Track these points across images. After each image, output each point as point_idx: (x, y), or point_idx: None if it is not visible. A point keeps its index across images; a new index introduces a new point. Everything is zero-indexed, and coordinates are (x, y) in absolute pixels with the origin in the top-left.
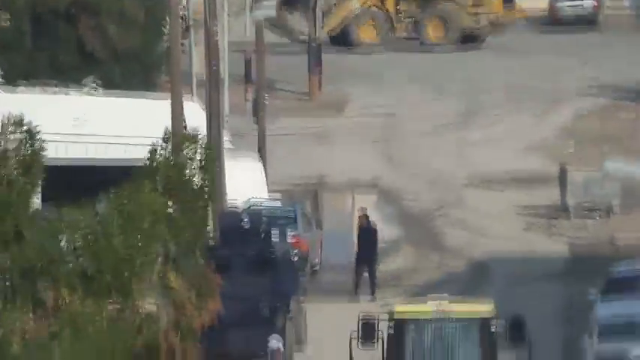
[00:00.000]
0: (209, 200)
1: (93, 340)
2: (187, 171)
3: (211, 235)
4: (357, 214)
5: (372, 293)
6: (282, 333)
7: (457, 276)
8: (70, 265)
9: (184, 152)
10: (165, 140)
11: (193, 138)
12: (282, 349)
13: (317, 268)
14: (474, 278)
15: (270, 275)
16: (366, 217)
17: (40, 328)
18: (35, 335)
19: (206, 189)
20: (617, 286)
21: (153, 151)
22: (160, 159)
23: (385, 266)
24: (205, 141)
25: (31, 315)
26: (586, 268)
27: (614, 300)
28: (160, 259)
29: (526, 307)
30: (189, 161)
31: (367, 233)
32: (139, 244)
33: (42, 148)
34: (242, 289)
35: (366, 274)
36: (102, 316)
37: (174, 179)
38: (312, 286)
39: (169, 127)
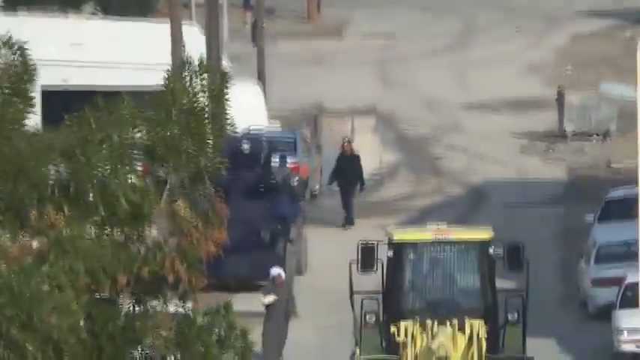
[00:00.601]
0: (222, 129)
1: (85, 263)
2: (201, 98)
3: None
4: (344, 140)
5: (347, 224)
6: (282, 258)
7: (455, 200)
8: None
9: (199, 79)
10: (182, 67)
11: (205, 66)
12: (283, 275)
13: (317, 193)
14: (472, 203)
15: (269, 201)
16: (350, 143)
17: (23, 248)
18: (20, 257)
19: (217, 117)
20: (613, 211)
21: (169, 78)
22: (175, 86)
23: (384, 191)
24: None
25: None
26: (583, 192)
27: (611, 224)
28: (167, 186)
29: (523, 232)
30: (200, 89)
31: (351, 161)
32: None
33: (34, 68)
34: (242, 215)
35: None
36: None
37: (188, 107)
38: (312, 211)
39: (170, 52)
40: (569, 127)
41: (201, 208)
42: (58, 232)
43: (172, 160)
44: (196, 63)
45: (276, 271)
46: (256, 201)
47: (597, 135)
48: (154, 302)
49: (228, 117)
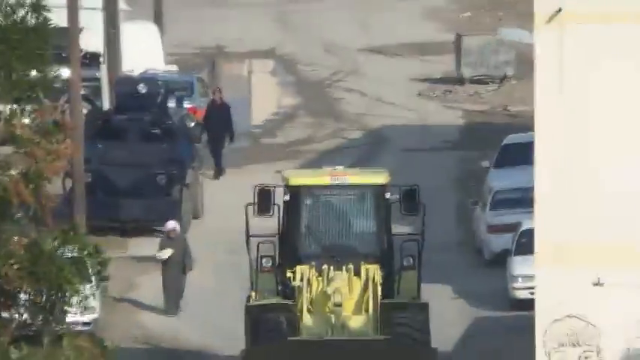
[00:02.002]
0: (46, 42)
1: None
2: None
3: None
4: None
5: (217, 174)
6: (177, 202)
7: (354, 144)
8: None
9: None
10: None
11: None
12: (177, 228)
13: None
14: (371, 147)
15: (166, 144)
16: (220, 92)
17: None
18: None
19: (40, 30)
20: (509, 156)
21: None
22: None
23: (282, 135)
24: None
25: None
26: (480, 137)
27: (507, 170)
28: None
29: (421, 176)
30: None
31: (221, 110)
32: None
33: None
34: (138, 157)
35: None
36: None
37: (5, 24)
38: (208, 154)
39: None
40: (466, 72)
41: (41, 125)
42: None
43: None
44: None
45: (170, 224)
46: (152, 144)
47: (495, 80)
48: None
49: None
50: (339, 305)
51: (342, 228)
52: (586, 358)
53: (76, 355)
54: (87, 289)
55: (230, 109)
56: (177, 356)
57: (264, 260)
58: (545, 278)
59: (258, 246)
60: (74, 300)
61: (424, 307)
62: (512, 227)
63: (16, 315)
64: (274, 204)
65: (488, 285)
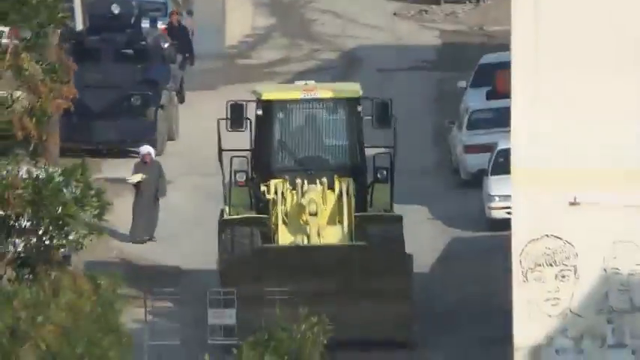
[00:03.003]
0: None
1: None
2: None
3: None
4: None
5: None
6: (153, 123)
7: (328, 65)
8: None
9: None
10: None
11: None
12: (152, 153)
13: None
14: (345, 68)
15: (140, 64)
16: (177, 15)
17: None
18: None
19: None
20: (486, 76)
21: None
22: None
23: (256, 56)
24: None
25: None
26: (456, 57)
27: (483, 90)
28: (11, 42)
29: (397, 97)
30: None
31: (178, 32)
32: None
33: None
34: (112, 78)
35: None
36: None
37: None
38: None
39: None
40: None
41: (47, 62)
42: None
43: (14, 14)
44: None
45: (145, 149)
46: (126, 65)
47: None
48: (4, 161)
49: None
50: (315, 214)
51: (314, 142)
52: (563, 277)
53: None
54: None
55: (188, 30)
56: (154, 277)
57: (237, 175)
58: (522, 198)
59: (231, 160)
60: (72, 236)
61: (398, 219)
62: (488, 147)
63: (11, 246)
64: (247, 119)
65: (465, 205)
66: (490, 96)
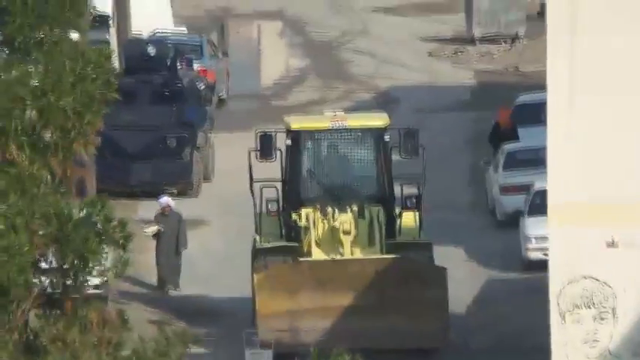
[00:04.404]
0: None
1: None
2: None
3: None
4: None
5: None
6: (189, 164)
7: (364, 106)
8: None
9: None
10: None
11: None
12: (171, 204)
13: (224, 97)
14: (381, 108)
15: (176, 105)
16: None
17: None
18: None
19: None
20: (522, 116)
21: None
22: None
23: (292, 97)
24: None
25: None
26: (491, 96)
27: (520, 129)
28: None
29: (432, 137)
30: None
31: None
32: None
33: None
34: (147, 120)
35: None
36: (47, 176)
37: None
38: (219, 116)
39: None
40: (477, 31)
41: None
42: (20, 170)
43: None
44: None
45: (165, 200)
46: (162, 106)
47: (506, 39)
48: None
49: (125, 18)
50: (349, 233)
51: (343, 171)
52: (601, 319)
53: (96, 324)
54: (109, 261)
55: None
56: (190, 318)
57: (269, 204)
58: (559, 239)
59: (261, 190)
60: (96, 270)
61: (428, 246)
62: (525, 187)
63: (38, 282)
64: (277, 149)
65: (501, 246)
66: (495, 132)
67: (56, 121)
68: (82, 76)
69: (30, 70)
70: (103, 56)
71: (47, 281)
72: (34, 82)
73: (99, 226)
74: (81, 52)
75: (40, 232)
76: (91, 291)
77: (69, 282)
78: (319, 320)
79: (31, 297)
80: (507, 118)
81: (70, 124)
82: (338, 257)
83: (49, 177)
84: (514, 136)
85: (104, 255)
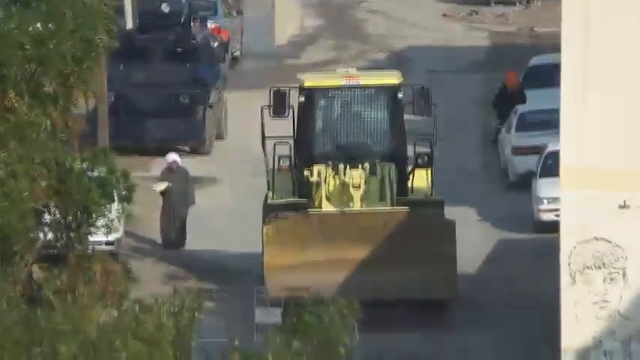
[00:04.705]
0: None
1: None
2: None
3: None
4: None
5: None
6: (201, 122)
7: (377, 66)
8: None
9: None
10: None
11: None
12: (178, 161)
13: (237, 56)
14: (394, 68)
15: (189, 63)
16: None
17: None
18: None
19: None
20: (536, 77)
21: None
22: None
23: (305, 56)
24: None
25: None
26: (506, 58)
27: (533, 91)
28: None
29: (446, 98)
30: None
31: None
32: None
33: None
34: (161, 77)
35: None
36: (47, 124)
37: None
38: (232, 74)
39: None
40: None
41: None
42: (19, 118)
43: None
44: None
45: (171, 157)
46: (175, 64)
47: (521, 0)
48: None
49: None
50: (358, 187)
51: (356, 128)
52: (611, 279)
53: (100, 276)
54: (113, 211)
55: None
56: (201, 274)
57: (281, 160)
58: (571, 200)
59: (274, 146)
60: (100, 222)
61: (439, 203)
62: (537, 149)
63: (41, 234)
64: (289, 106)
65: (513, 207)
66: (501, 95)
67: (55, 67)
68: (81, 23)
69: (30, 18)
70: (103, 2)
71: (50, 234)
72: (34, 30)
73: (101, 176)
74: None
75: (42, 183)
76: (103, 247)
77: (72, 234)
78: (328, 273)
79: (34, 248)
80: (515, 81)
81: (69, 70)
82: (347, 210)
83: (49, 125)
84: (522, 99)
85: (107, 207)
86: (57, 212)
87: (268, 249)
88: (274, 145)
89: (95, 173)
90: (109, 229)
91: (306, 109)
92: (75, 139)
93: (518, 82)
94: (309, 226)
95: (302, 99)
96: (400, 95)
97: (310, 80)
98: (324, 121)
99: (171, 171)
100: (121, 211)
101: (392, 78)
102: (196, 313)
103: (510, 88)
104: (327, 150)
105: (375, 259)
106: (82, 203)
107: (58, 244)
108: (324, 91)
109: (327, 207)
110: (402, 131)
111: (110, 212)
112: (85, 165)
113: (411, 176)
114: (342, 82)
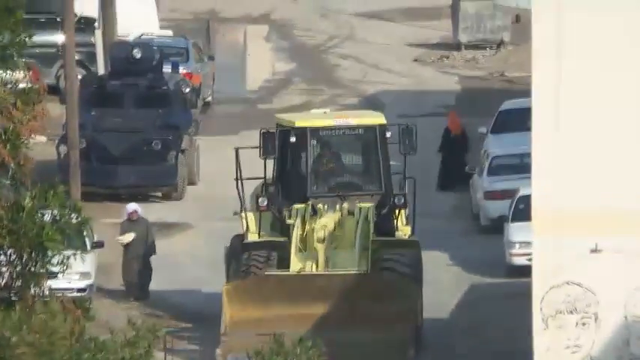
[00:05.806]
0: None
1: None
2: None
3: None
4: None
5: None
6: (174, 168)
7: (350, 109)
8: None
9: None
10: None
11: None
12: (138, 211)
13: (209, 101)
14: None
15: (161, 109)
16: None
17: None
18: None
19: None
20: (506, 122)
21: None
22: None
23: (277, 101)
24: None
25: None
26: (477, 102)
27: (504, 136)
28: None
29: (418, 142)
30: None
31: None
32: None
33: None
34: (133, 123)
35: None
36: None
37: None
38: (204, 120)
39: None
40: (463, 37)
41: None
42: None
43: None
44: None
45: (131, 207)
46: (148, 109)
47: (492, 45)
48: None
49: (111, 21)
50: (322, 242)
51: (345, 168)
52: (583, 324)
53: (51, 317)
54: (69, 249)
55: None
56: (176, 319)
57: (259, 199)
58: (543, 245)
59: (262, 186)
60: (55, 260)
61: (414, 244)
62: (509, 193)
63: None
64: (277, 143)
65: (485, 251)
66: (445, 139)
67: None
68: None
69: None
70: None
71: (7, 273)
72: None
73: (54, 214)
74: None
75: None
76: (75, 294)
77: (28, 275)
78: (289, 328)
79: None
80: (456, 124)
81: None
82: (306, 271)
83: None
84: (465, 144)
85: (63, 243)
86: (11, 253)
87: (228, 308)
88: (262, 184)
89: (48, 212)
90: (65, 266)
91: (296, 148)
92: (27, 178)
93: (460, 124)
94: (267, 287)
95: (293, 139)
96: (388, 134)
97: (302, 120)
98: (315, 160)
99: (131, 221)
100: (80, 249)
101: (378, 117)
102: (151, 345)
103: (454, 132)
104: (315, 189)
105: (333, 318)
106: (35, 241)
107: (14, 285)
108: (316, 130)
109: (294, 259)
110: (388, 170)
111: (66, 249)
112: (35, 202)
113: (397, 215)
114: (334, 122)
